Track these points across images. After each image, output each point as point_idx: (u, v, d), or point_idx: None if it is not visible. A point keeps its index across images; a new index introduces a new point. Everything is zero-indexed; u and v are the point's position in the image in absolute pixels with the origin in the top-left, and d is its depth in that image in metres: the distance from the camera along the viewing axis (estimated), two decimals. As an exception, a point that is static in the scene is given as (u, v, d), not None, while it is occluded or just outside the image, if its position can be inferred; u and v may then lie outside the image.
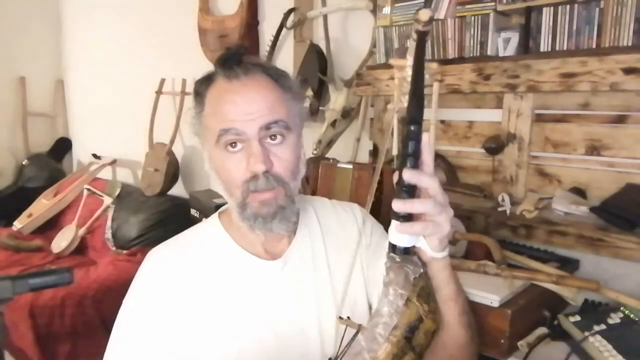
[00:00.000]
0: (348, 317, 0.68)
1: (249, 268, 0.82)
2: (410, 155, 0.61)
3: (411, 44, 0.81)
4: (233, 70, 0.77)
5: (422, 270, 0.65)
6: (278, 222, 0.78)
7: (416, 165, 0.62)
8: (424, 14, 0.68)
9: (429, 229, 0.63)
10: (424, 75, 0.65)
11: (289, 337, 0.81)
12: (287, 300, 0.82)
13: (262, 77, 0.78)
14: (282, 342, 0.80)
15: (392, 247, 0.64)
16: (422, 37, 0.70)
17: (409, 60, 0.84)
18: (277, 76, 0.80)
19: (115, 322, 0.81)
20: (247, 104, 0.75)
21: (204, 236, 0.86)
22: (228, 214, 0.87)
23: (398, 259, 0.64)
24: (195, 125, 0.82)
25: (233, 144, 0.76)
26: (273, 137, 0.77)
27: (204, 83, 0.81)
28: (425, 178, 0.61)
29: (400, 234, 0.62)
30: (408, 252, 0.64)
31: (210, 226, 0.87)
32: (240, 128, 0.75)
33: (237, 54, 0.80)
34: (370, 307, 0.89)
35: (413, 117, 0.62)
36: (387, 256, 0.65)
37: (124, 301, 0.82)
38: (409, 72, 0.89)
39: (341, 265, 0.88)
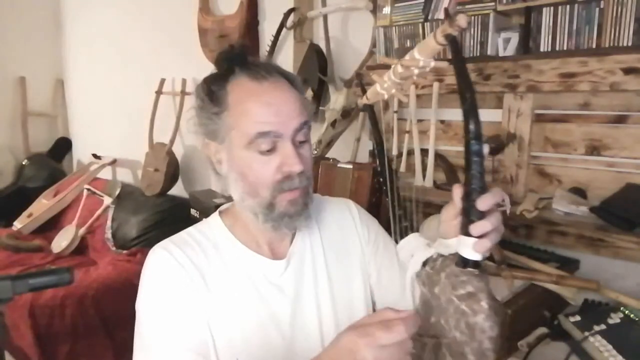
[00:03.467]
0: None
1: (255, 266, 0.83)
2: (478, 177, 0.61)
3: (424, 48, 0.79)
4: (257, 71, 0.77)
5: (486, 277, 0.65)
6: (304, 219, 0.80)
7: (484, 186, 0.61)
8: (463, 20, 0.67)
9: (496, 238, 0.63)
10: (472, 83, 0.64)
11: (292, 336, 0.81)
12: (289, 299, 0.83)
13: (281, 78, 0.79)
14: (286, 340, 0.81)
15: (464, 262, 0.63)
16: (455, 42, 0.67)
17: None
18: (291, 78, 0.81)
19: (140, 317, 0.77)
20: (282, 105, 0.75)
21: (208, 233, 0.85)
22: (229, 213, 0.87)
23: (477, 272, 0.63)
24: (210, 126, 0.78)
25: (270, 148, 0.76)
26: (301, 140, 0.78)
27: (219, 81, 0.78)
28: (496, 197, 0.61)
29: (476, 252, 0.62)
30: (479, 265, 0.63)
31: (213, 224, 0.87)
32: (278, 130, 0.75)
33: (244, 52, 0.80)
34: (369, 305, 0.90)
35: (476, 133, 0.61)
36: (461, 272, 0.64)
37: (141, 297, 0.78)
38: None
39: (338, 264, 0.89)
